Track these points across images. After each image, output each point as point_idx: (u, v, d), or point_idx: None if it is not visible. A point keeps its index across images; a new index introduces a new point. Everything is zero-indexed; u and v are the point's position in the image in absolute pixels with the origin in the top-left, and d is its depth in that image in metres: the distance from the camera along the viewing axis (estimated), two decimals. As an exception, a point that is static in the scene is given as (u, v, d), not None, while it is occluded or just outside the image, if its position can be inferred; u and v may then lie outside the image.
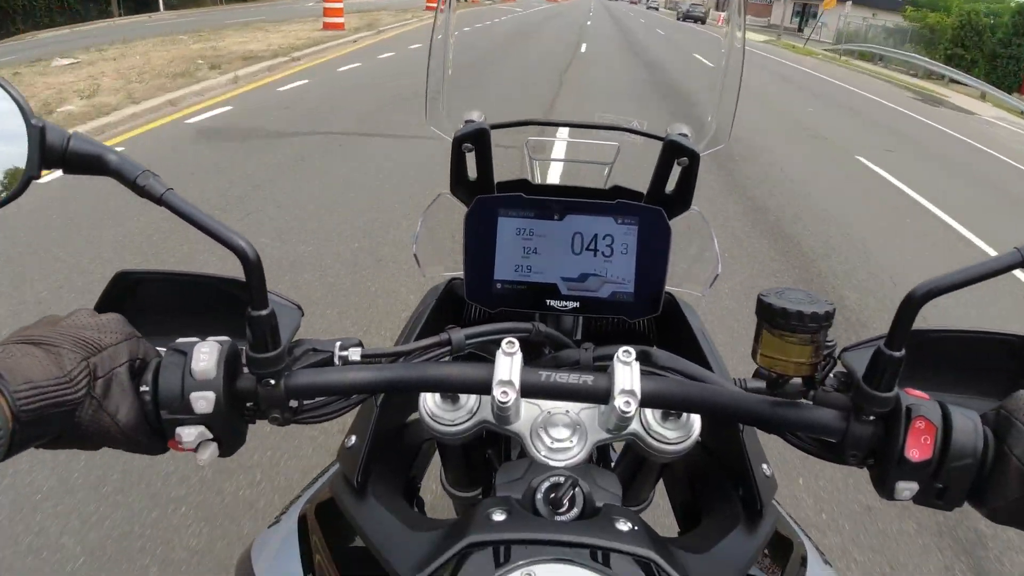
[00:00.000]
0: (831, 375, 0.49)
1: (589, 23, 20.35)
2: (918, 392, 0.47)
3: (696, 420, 0.58)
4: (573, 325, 0.79)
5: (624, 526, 0.48)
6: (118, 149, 0.54)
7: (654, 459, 0.60)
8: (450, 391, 0.55)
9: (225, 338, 0.48)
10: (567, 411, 0.58)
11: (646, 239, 0.65)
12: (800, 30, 34.61)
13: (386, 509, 0.57)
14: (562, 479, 0.52)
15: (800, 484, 2.12)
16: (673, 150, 0.66)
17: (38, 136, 0.42)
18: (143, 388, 0.45)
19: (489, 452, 0.77)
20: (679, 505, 0.73)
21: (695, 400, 0.50)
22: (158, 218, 3.62)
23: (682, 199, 0.68)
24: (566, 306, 0.67)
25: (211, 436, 0.46)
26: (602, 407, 0.56)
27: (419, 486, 0.75)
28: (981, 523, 2.05)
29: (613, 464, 0.74)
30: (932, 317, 3.01)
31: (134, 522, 1.79)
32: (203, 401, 0.44)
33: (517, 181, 0.71)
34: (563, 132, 0.80)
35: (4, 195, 0.43)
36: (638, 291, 0.66)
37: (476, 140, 0.66)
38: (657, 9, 50.32)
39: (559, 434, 0.57)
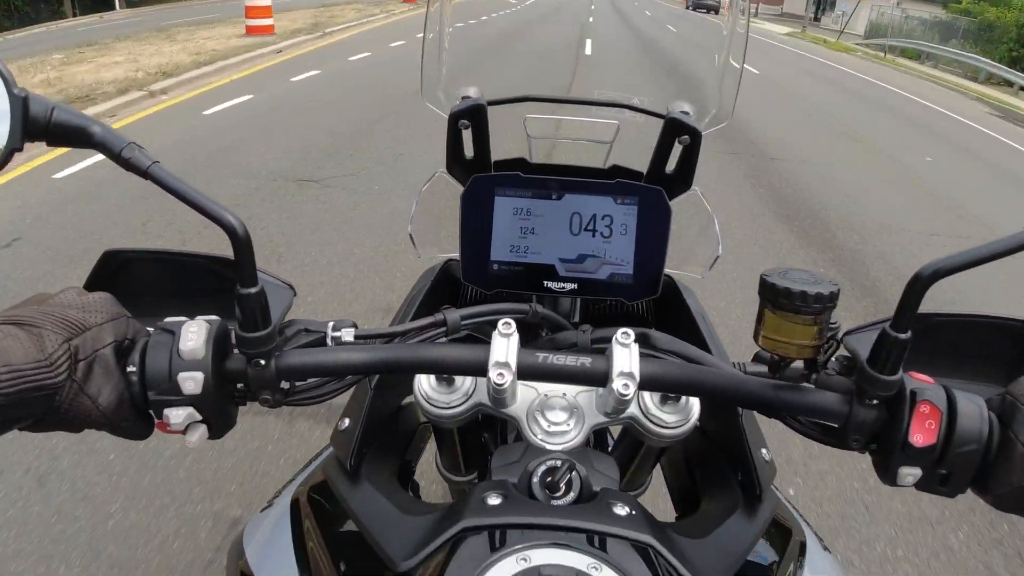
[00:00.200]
0: (833, 359, 0.48)
1: (591, 19, 19.24)
2: (923, 376, 0.46)
3: (695, 404, 0.57)
4: (571, 307, 0.78)
5: (621, 510, 0.47)
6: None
7: (652, 443, 0.59)
8: (445, 373, 0.54)
9: (214, 317, 0.46)
10: (564, 394, 0.57)
11: (646, 220, 0.64)
12: (816, 19, 32.32)
13: (379, 493, 0.56)
14: (559, 463, 0.52)
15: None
16: (674, 128, 0.65)
17: (21, 107, 0.40)
18: (130, 369, 0.44)
19: (485, 436, 0.76)
20: (677, 490, 0.73)
21: (695, 383, 0.49)
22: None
23: (683, 179, 0.67)
24: (564, 288, 0.66)
25: (200, 418, 0.45)
26: (600, 390, 0.55)
27: (414, 470, 0.74)
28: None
29: (611, 448, 0.73)
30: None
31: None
32: (191, 382, 0.43)
33: (515, 160, 0.69)
34: (562, 110, 0.78)
35: None
36: (637, 273, 0.65)
37: (473, 117, 0.65)
38: None
39: (556, 417, 0.56)
